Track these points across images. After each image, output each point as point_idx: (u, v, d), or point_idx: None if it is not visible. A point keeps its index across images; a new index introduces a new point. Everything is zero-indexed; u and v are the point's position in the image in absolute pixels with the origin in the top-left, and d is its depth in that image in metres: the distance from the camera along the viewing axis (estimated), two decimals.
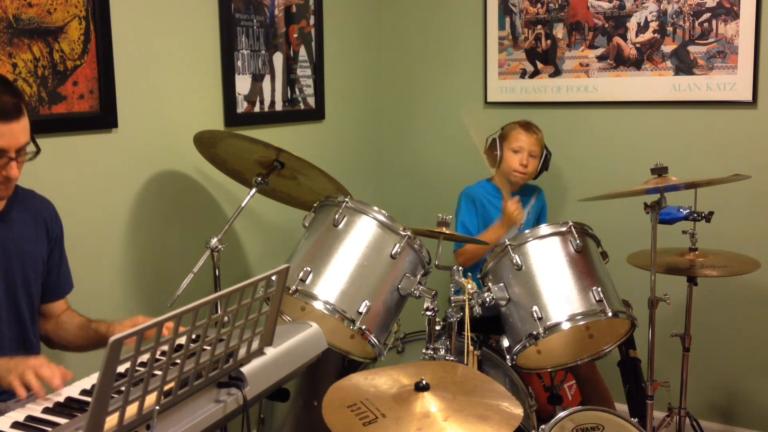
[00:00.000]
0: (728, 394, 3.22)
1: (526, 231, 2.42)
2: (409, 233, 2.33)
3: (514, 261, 2.35)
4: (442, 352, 2.25)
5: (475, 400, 1.67)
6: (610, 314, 2.25)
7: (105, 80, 2.41)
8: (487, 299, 2.34)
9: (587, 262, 2.36)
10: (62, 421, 1.45)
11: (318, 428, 1.82)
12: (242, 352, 1.58)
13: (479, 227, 3.02)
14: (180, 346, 1.38)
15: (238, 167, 2.66)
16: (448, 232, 2.51)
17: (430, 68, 3.67)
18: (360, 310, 2.22)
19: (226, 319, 1.45)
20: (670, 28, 3.11)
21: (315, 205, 2.48)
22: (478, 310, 2.26)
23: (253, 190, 2.49)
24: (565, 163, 3.36)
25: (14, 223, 1.89)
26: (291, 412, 2.70)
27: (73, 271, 2.14)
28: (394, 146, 3.83)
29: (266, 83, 3.08)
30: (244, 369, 1.58)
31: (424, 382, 1.66)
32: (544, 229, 2.40)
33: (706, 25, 3.04)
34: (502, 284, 2.37)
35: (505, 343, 2.38)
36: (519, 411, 1.62)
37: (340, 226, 2.33)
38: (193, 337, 1.39)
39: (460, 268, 2.30)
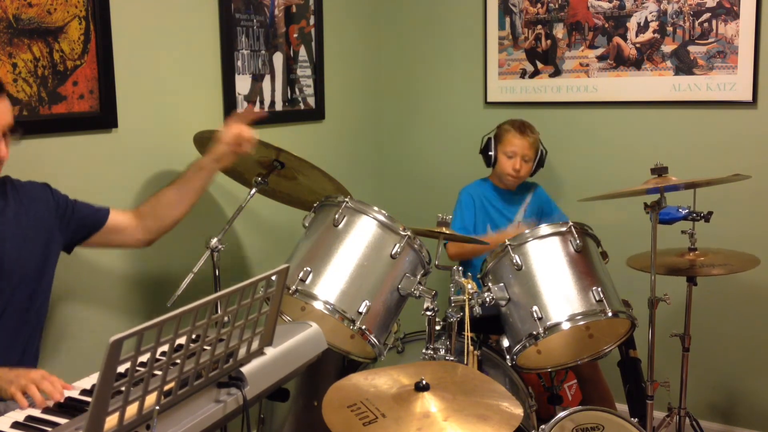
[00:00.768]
0: (728, 394, 3.22)
1: (526, 231, 2.42)
2: (409, 233, 2.33)
3: (514, 261, 2.35)
4: (442, 352, 2.25)
5: (475, 400, 1.67)
6: (610, 314, 2.25)
7: (105, 80, 2.41)
8: (487, 299, 2.34)
9: (587, 262, 2.36)
10: (62, 421, 1.45)
11: (318, 428, 1.82)
12: (242, 352, 1.58)
13: (476, 226, 3.02)
14: (180, 346, 1.38)
15: (238, 167, 2.66)
16: (448, 232, 2.51)
17: (430, 68, 3.67)
18: (360, 310, 2.22)
19: (226, 319, 1.45)
20: (670, 28, 3.11)
21: (315, 205, 2.48)
22: (478, 310, 2.26)
23: (253, 190, 2.49)
24: (565, 163, 3.36)
25: (7, 217, 1.89)
26: (291, 412, 2.70)
27: (74, 272, 2.15)
28: (394, 146, 3.83)
29: (266, 83, 3.08)
30: (244, 369, 1.58)
31: (424, 382, 1.66)
32: (544, 229, 2.40)
33: (706, 25, 3.04)
34: (502, 284, 2.37)
35: (505, 343, 2.38)
36: (519, 411, 1.62)
37: (340, 226, 2.33)
38: (193, 337, 1.39)
39: (460, 268, 2.30)
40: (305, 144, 3.30)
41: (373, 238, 2.32)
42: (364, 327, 2.23)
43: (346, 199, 2.36)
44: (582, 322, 2.29)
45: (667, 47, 3.13)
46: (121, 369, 1.25)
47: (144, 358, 1.29)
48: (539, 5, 3.36)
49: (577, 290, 2.29)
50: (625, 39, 3.20)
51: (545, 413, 2.80)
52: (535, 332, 2.27)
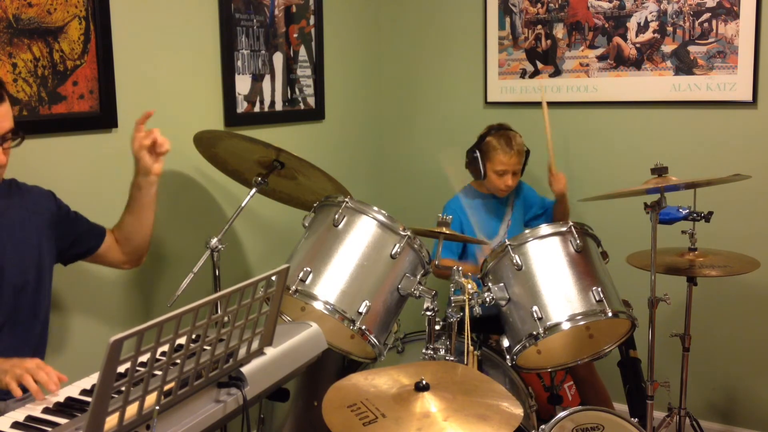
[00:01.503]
0: (728, 394, 3.22)
1: (526, 231, 2.42)
2: (409, 233, 2.33)
3: (514, 261, 2.35)
4: (442, 352, 2.25)
5: (475, 400, 1.67)
6: (610, 314, 2.25)
7: (105, 80, 2.41)
8: (487, 299, 2.34)
9: (587, 262, 2.36)
10: (62, 421, 1.45)
11: (318, 428, 1.82)
12: (242, 352, 1.58)
13: (460, 248, 3.00)
14: (180, 346, 1.38)
15: (238, 167, 2.66)
16: (448, 232, 2.51)
17: (430, 68, 3.67)
18: (360, 310, 2.22)
19: (226, 319, 1.45)
20: (670, 28, 3.11)
21: (315, 205, 2.48)
22: (478, 310, 2.26)
23: (253, 190, 2.49)
24: (565, 163, 3.35)
25: (11, 219, 1.89)
26: (291, 412, 2.71)
27: (73, 271, 2.15)
28: (394, 146, 3.83)
29: (266, 83, 3.08)
30: (244, 369, 1.58)
31: (424, 382, 1.66)
32: (544, 229, 2.40)
33: (706, 25, 3.04)
34: (502, 284, 2.37)
35: (505, 343, 2.38)
36: (519, 411, 1.62)
37: (340, 226, 2.33)
38: (193, 337, 1.39)
39: (460, 268, 2.29)
40: (305, 144, 3.30)
41: (373, 238, 2.32)
42: (364, 327, 2.23)
43: (346, 199, 2.36)
44: (582, 322, 2.29)
45: (667, 47, 3.13)
46: (121, 369, 1.25)
47: (144, 358, 1.29)
48: (539, 5, 3.36)
49: (577, 290, 2.29)
50: (625, 39, 3.20)
51: (545, 413, 2.80)
52: (535, 332, 2.27)
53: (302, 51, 3.25)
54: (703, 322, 3.07)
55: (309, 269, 2.25)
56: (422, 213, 3.40)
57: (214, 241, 2.38)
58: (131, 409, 1.30)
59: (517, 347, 2.32)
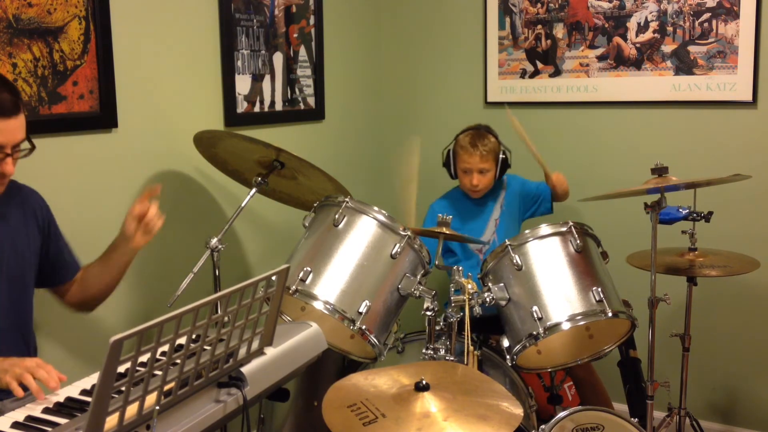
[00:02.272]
0: (728, 394, 3.22)
1: (526, 231, 2.42)
2: (409, 233, 2.33)
3: (514, 261, 2.35)
4: (442, 352, 2.25)
5: (475, 400, 1.67)
6: (610, 314, 2.25)
7: (105, 80, 2.41)
8: (487, 299, 2.34)
9: (587, 262, 2.36)
10: (62, 421, 1.45)
11: (318, 428, 1.82)
12: (242, 352, 1.59)
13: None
14: (180, 346, 1.38)
15: (238, 167, 2.66)
16: (448, 232, 2.51)
17: (430, 68, 3.67)
18: (360, 310, 2.23)
19: (226, 319, 1.45)
20: (670, 28, 3.11)
21: (315, 205, 2.48)
22: (478, 310, 2.26)
23: (253, 190, 2.49)
24: (566, 163, 3.35)
25: (4, 215, 1.89)
26: (291, 412, 2.71)
27: None
28: (394, 146, 3.82)
29: (266, 83, 3.08)
30: (244, 369, 1.59)
31: (424, 382, 1.66)
32: (544, 229, 2.40)
33: (706, 25, 3.04)
34: (502, 284, 2.37)
35: (505, 343, 2.38)
36: (519, 411, 1.62)
37: (340, 226, 2.33)
38: (193, 337, 1.39)
39: (461, 268, 2.30)
40: (305, 144, 3.30)
41: (373, 238, 2.32)
42: (364, 327, 2.23)
43: (346, 199, 2.36)
44: (582, 322, 2.29)
45: (667, 47, 3.13)
46: (121, 369, 1.25)
47: (144, 358, 1.29)
48: (539, 5, 3.36)
49: (577, 290, 2.29)
50: (625, 39, 3.20)
51: (545, 413, 2.80)
52: (535, 332, 2.27)
53: (302, 51, 3.25)
54: (703, 322, 3.07)
55: (309, 269, 2.25)
56: (422, 213, 3.40)
57: (214, 241, 2.38)
58: (131, 409, 1.30)
59: (517, 347, 2.32)
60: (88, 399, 1.54)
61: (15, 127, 1.75)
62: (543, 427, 2.19)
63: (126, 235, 2.06)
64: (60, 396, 1.57)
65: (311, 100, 3.33)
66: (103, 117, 2.43)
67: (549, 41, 3.37)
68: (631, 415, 2.54)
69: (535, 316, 2.27)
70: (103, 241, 2.47)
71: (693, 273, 2.64)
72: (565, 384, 3.10)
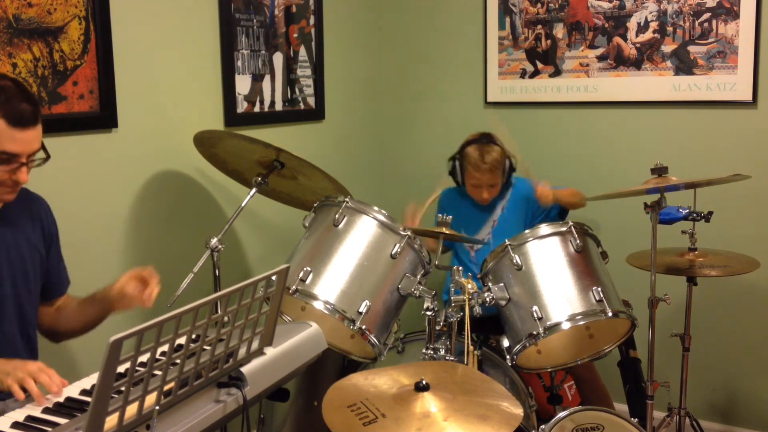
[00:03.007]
0: (728, 394, 3.22)
1: (526, 231, 2.42)
2: (409, 233, 2.33)
3: (514, 261, 2.35)
4: (442, 352, 2.25)
5: (475, 400, 1.67)
6: (610, 314, 2.25)
7: (105, 80, 2.41)
8: (487, 299, 2.34)
9: (587, 262, 2.36)
10: (62, 421, 1.45)
11: (318, 428, 1.82)
12: (242, 352, 1.59)
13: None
14: (180, 346, 1.38)
15: (238, 167, 2.66)
16: (448, 232, 2.51)
17: (430, 68, 3.67)
18: (360, 310, 2.23)
19: (226, 319, 1.45)
20: (670, 28, 3.11)
21: (315, 205, 2.48)
22: (478, 310, 2.26)
23: (253, 190, 2.49)
24: (566, 163, 3.36)
25: (12, 221, 1.90)
26: (291, 412, 2.71)
27: (73, 271, 2.14)
28: (394, 146, 3.83)
29: (266, 83, 3.08)
30: (244, 369, 1.59)
31: (424, 382, 1.66)
32: (544, 229, 2.40)
33: (706, 25, 3.04)
34: (502, 284, 2.37)
35: (505, 343, 2.38)
36: (519, 411, 1.62)
37: (340, 226, 2.33)
38: (193, 337, 1.39)
39: (460, 268, 2.30)
40: (305, 144, 3.30)
41: (373, 238, 2.32)
42: (364, 327, 2.23)
43: (346, 199, 2.36)
44: (582, 322, 2.29)
45: (667, 47, 3.13)
46: (121, 369, 1.25)
47: (144, 358, 1.29)
48: (539, 5, 3.36)
49: (577, 290, 2.29)
50: (625, 39, 3.20)
51: (545, 413, 2.80)
52: (535, 332, 2.27)
53: (302, 51, 3.25)
54: (703, 322, 3.07)
55: (309, 269, 2.25)
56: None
57: (214, 241, 2.38)
58: (131, 409, 1.30)
59: (517, 347, 2.32)
60: (88, 399, 1.55)
61: (33, 137, 1.76)
62: (543, 427, 2.19)
63: (110, 297, 1.96)
64: (60, 396, 1.57)
65: (311, 100, 3.33)
66: (103, 117, 2.43)
67: (549, 41, 3.37)
68: (631, 415, 2.54)
69: (535, 315, 2.27)
70: (103, 241, 2.47)
71: (693, 273, 2.64)
72: (565, 384, 3.10)
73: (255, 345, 1.62)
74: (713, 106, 3.08)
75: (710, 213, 2.63)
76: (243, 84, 2.95)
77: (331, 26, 3.39)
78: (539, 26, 3.38)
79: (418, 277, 2.34)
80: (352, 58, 3.59)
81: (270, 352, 1.68)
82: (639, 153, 3.21)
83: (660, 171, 2.46)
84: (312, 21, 3.29)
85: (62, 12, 2.28)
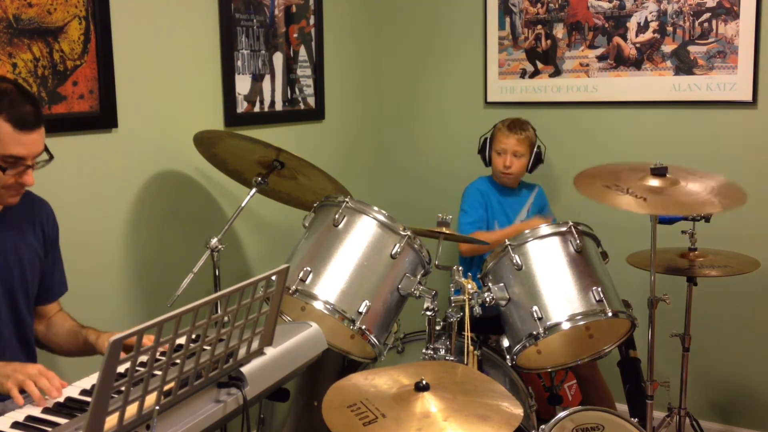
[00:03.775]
0: (728, 394, 3.22)
1: (527, 231, 2.42)
2: (409, 233, 2.33)
3: (514, 261, 2.35)
4: (442, 352, 2.25)
5: (475, 400, 1.67)
6: (610, 314, 2.25)
7: (105, 80, 2.41)
8: (487, 299, 2.34)
9: (587, 262, 2.36)
10: (62, 421, 1.45)
11: (318, 428, 1.82)
12: (242, 352, 1.59)
13: (486, 219, 3.02)
14: (180, 346, 1.38)
15: (238, 167, 2.66)
16: (448, 232, 2.51)
17: (430, 68, 3.67)
18: (360, 310, 2.22)
19: (226, 319, 1.45)
20: (670, 28, 3.11)
21: (315, 205, 2.48)
22: (478, 310, 2.26)
23: (253, 190, 2.49)
24: (566, 163, 3.35)
25: (13, 222, 1.89)
26: (291, 412, 2.71)
27: (73, 272, 2.14)
28: (394, 146, 3.83)
29: (266, 83, 3.08)
30: (244, 369, 1.59)
31: (424, 382, 1.66)
32: (544, 229, 2.40)
33: (706, 25, 3.04)
34: (502, 284, 2.37)
35: (505, 343, 2.38)
36: (519, 411, 1.62)
37: (340, 226, 2.33)
38: (193, 337, 1.39)
39: (460, 268, 2.30)
40: (305, 144, 3.30)
41: (373, 238, 2.32)
42: (364, 327, 2.23)
43: (346, 199, 2.36)
44: (582, 322, 2.29)
45: (667, 47, 3.13)
46: (121, 369, 1.25)
47: (144, 358, 1.29)
48: (539, 5, 3.36)
49: (577, 290, 2.29)
50: (625, 39, 3.20)
51: (545, 413, 2.80)
52: (535, 332, 2.27)
53: (302, 51, 3.25)
54: (703, 322, 3.07)
55: (309, 269, 2.25)
56: (422, 213, 3.40)
57: (214, 241, 2.38)
58: (131, 409, 1.30)
59: (517, 347, 2.32)
60: (88, 399, 1.55)
61: (37, 139, 1.76)
62: (543, 427, 2.19)
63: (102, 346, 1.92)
64: (60, 396, 1.57)
65: (311, 100, 3.33)
66: (103, 117, 2.43)
67: (549, 41, 3.37)
68: (631, 415, 2.54)
69: (535, 315, 2.27)
70: (103, 241, 2.48)
71: (693, 273, 2.64)
72: (565, 384, 3.10)
73: (255, 345, 1.62)
74: (713, 106, 3.09)
75: (710, 213, 2.63)
76: (243, 84, 2.95)
77: (331, 26, 3.39)
78: (539, 26, 3.38)
79: (418, 277, 2.34)
80: (352, 58, 3.59)
81: (270, 352, 1.68)
82: (639, 153, 3.20)
83: (660, 171, 2.45)
84: (312, 21, 3.29)
85: (62, 12, 2.28)
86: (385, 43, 3.76)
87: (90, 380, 1.64)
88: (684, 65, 3.10)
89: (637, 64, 3.19)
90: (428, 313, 2.24)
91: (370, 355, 2.36)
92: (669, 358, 3.01)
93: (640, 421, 2.29)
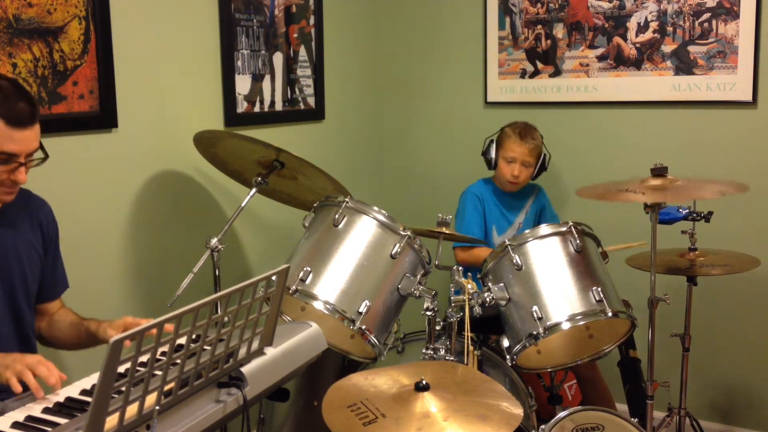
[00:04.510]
0: (728, 394, 3.22)
1: (526, 231, 2.42)
2: (409, 233, 2.33)
3: (514, 261, 2.35)
4: (442, 352, 2.25)
5: (475, 400, 1.67)
6: (610, 314, 2.25)
7: (105, 80, 2.41)
8: (487, 299, 2.33)
9: (587, 262, 2.36)
10: (62, 421, 1.45)
11: (318, 428, 1.82)
12: (242, 352, 1.59)
13: (483, 228, 3.02)
14: (180, 346, 1.38)
15: (238, 167, 2.66)
16: (448, 232, 2.52)
17: (430, 68, 3.67)
18: (360, 310, 2.22)
19: (226, 319, 1.45)
20: (670, 28, 3.11)
21: (315, 205, 2.48)
22: (478, 310, 2.26)
23: (253, 190, 2.49)
24: (566, 163, 3.36)
25: (11, 221, 1.89)
26: (291, 412, 2.71)
27: (73, 271, 2.14)
28: (394, 146, 3.83)
29: (266, 83, 3.08)
30: (244, 369, 1.59)
31: (424, 382, 1.66)
32: (544, 229, 2.40)
33: (706, 25, 3.04)
34: (502, 284, 2.37)
35: (505, 343, 2.38)
36: (519, 411, 1.62)
37: (340, 226, 2.33)
38: (193, 337, 1.39)
39: (461, 268, 2.29)
40: (305, 144, 3.30)
41: (373, 238, 2.32)
42: (364, 327, 2.23)
43: (346, 199, 2.36)
44: (582, 322, 2.29)
45: (667, 47, 3.13)
46: (121, 369, 1.25)
47: (144, 358, 1.29)
48: (539, 5, 3.36)
49: (577, 290, 2.29)
50: (625, 39, 3.20)
51: (545, 413, 2.80)
52: (535, 332, 2.27)
53: (302, 51, 3.25)
54: (703, 322, 3.07)
55: (309, 269, 2.25)
56: (422, 213, 3.40)
57: (214, 241, 2.38)
58: (131, 409, 1.30)
59: (517, 347, 2.32)
60: (88, 399, 1.54)
61: (31, 137, 1.75)
62: (543, 427, 2.19)
63: (105, 334, 1.91)
64: (60, 396, 1.57)
65: (311, 100, 3.33)
66: (103, 117, 2.43)
67: (549, 41, 3.37)
68: (631, 415, 2.54)
69: (535, 315, 2.27)
70: (103, 241, 2.48)
71: (693, 273, 2.64)
72: (565, 384, 3.10)
73: (255, 345, 1.62)
74: (713, 106, 3.09)
75: (710, 213, 2.63)
76: (243, 84, 2.95)
77: (331, 26, 3.39)
78: (539, 26, 3.38)
79: (418, 277, 2.34)
80: (352, 58, 3.60)
81: (270, 352, 1.68)
82: (639, 153, 3.20)
83: (660, 171, 2.46)
84: (312, 21, 3.29)
85: (62, 12, 2.28)
86: (385, 43, 3.76)
87: (90, 380, 1.64)
88: (684, 65, 3.10)
89: (637, 64, 3.19)
90: (428, 313, 2.24)
91: (370, 355, 2.36)
92: (669, 358, 3.01)
93: (640, 421, 2.29)
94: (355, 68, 3.63)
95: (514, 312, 2.35)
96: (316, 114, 3.38)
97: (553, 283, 2.31)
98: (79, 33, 2.34)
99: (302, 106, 3.29)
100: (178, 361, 1.37)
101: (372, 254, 2.30)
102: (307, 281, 2.24)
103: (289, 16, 3.16)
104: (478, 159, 3.13)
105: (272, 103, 3.12)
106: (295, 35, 3.21)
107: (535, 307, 2.28)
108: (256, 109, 3.03)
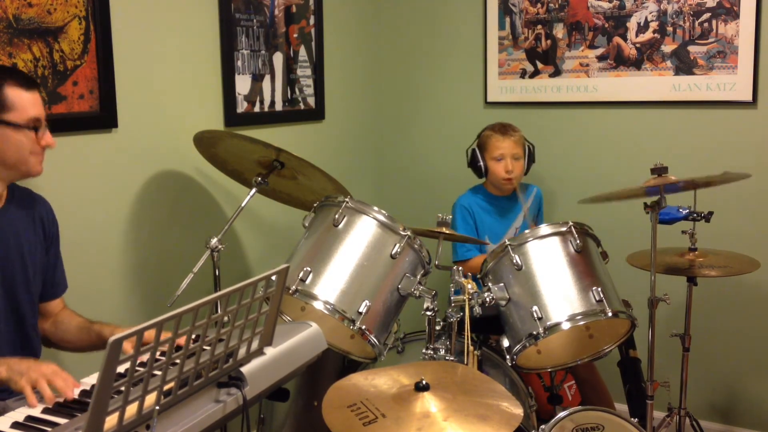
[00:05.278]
0: (728, 394, 3.22)
1: (526, 231, 2.42)
2: (409, 233, 2.33)
3: (514, 261, 2.35)
4: (442, 352, 2.25)
5: (475, 400, 1.67)
6: (610, 314, 2.25)
7: (105, 80, 2.41)
8: (487, 299, 2.33)
9: (587, 262, 2.36)
10: (62, 421, 1.46)
11: (318, 428, 1.82)
12: (242, 352, 1.59)
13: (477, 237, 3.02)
14: (180, 346, 1.38)
15: (238, 167, 2.66)
16: (448, 232, 2.51)
17: (430, 68, 3.67)
18: (360, 310, 2.22)
19: (226, 319, 1.45)
20: (670, 28, 3.11)
21: (315, 205, 2.48)
22: (478, 310, 2.26)
23: (253, 190, 2.49)
24: (566, 163, 3.36)
25: (13, 220, 1.90)
26: (291, 412, 2.71)
27: (74, 271, 2.14)
28: (394, 146, 3.83)
29: (266, 83, 3.08)
30: (244, 369, 1.59)
31: (424, 382, 1.66)
32: (544, 229, 2.40)
33: (706, 25, 3.04)
34: (502, 284, 2.37)
35: (505, 343, 2.38)
36: (519, 411, 1.62)
37: (340, 226, 2.33)
38: (193, 337, 1.39)
39: (460, 268, 2.29)
40: (305, 144, 3.30)
41: (373, 238, 2.32)
42: (364, 327, 2.23)
43: (346, 199, 2.36)
44: (582, 322, 2.29)
45: (667, 47, 3.13)
46: (121, 369, 1.25)
47: (144, 358, 1.29)
48: (539, 5, 3.36)
49: (577, 290, 2.29)
50: (625, 39, 3.20)
51: (545, 413, 2.80)
52: (535, 332, 2.26)
53: (302, 51, 3.25)
54: (703, 322, 3.07)
55: (309, 269, 2.25)
56: (422, 213, 3.40)
57: (214, 241, 2.38)
58: (131, 409, 1.30)
59: (517, 347, 2.32)
60: (88, 399, 1.54)
61: (40, 100, 1.82)
62: (543, 427, 2.19)
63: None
64: (60, 396, 1.57)
65: (311, 100, 3.33)
66: (103, 117, 2.43)
67: (549, 41, 3.37)
68: (631, 415, 2.54)
69: (535, 315, 2.27)
70: (103, 241, 2.48)
71: (693, 273, 2.64)
72: (565, 384, 3.10)
73: (255, 345, 1.62)
74: (713, 106, 3.09)
75: (710, 213, 2.63)
76: (243, 84, 2.95)
77: (331, 26, 3.39)
78: (539, 26, 3.38)
79: (418, 277, 2.34)
80: (352, 58, 3.60)
81: (270, 352, 1.68)
82: (639, 153, 3.21)
83: (660, 171, 2.45)
84: (312, 21, 3.29)
85: (62, 12, 2.28)
86: (385, 43, 3.76)
87: (90, 380, 1.64)
88: (684, 65, 3.10)
89: (637, 64, 3.19)
90: (428, 313, 2.24)
91: (370, 355, 2.36)
92: (669, 358, 3.01)
93: (640, 421, 2.29)
94: (355, 68, 3.63)
95: (514, 312, 2.35)
96: (316, 114, 3.38)
97: (553, 283, 2.31)
98: (79, 33, 2.34)
99: (302, 106, 3.29)
100: (178, 360, 1.37)
101: (372, 254, 2.30)
102: (307, 281, 2.24)
103: (289, 16, 3.16)
104: None
105: (272, 103, 3.12)
106: (295, 35, 3.21)
107: (535, 307, 2.28)
108: (256, 109, 3.03)
